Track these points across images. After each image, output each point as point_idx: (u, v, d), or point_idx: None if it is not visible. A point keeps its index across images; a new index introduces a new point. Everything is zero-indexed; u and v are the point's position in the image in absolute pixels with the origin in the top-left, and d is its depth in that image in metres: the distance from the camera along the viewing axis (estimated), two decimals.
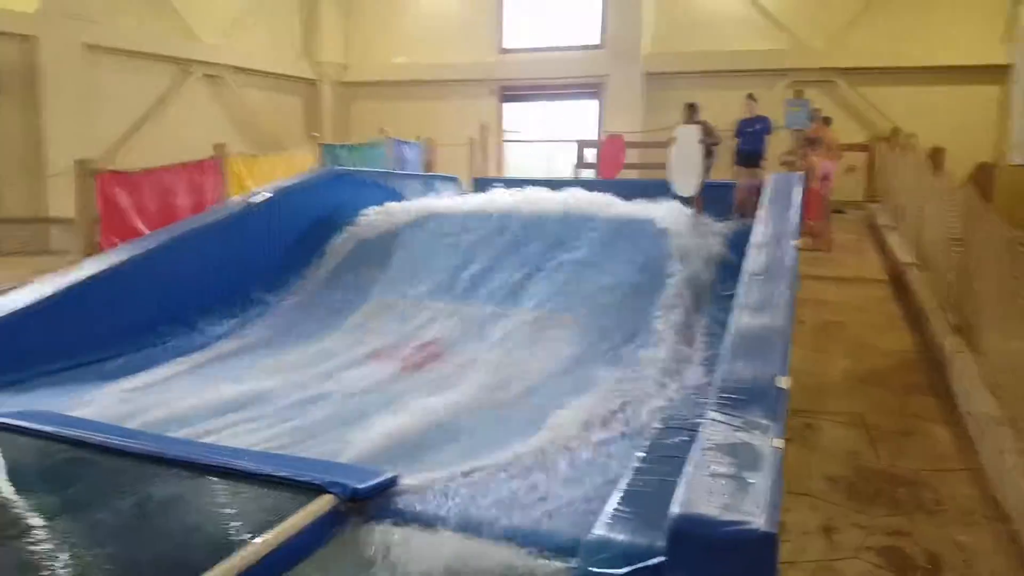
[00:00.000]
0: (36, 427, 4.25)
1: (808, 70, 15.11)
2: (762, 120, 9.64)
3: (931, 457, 4.60)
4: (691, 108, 8.63)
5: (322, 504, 3.34)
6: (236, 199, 8.93)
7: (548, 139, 17.12)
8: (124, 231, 9.40)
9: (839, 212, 12.68)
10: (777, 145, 11.10)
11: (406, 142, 14.59)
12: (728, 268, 6.56)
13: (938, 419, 5.14)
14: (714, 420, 3.24)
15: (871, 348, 6.51)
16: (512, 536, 3.22)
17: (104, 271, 6.49)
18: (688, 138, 8.30)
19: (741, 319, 4.33)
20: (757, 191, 7.72)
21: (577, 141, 15.07)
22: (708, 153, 8.00)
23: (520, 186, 9.04)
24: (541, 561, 3.08)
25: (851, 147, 13.48)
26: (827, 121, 11.61)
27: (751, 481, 2.70)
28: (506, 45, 17.42)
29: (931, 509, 4.00)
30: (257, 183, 10.55)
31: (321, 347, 6.45)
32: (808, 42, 15.23)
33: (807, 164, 9.99)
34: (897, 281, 8.40)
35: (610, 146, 14.13)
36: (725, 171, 10.37)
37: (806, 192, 8.76)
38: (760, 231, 6.03)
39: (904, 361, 6.24)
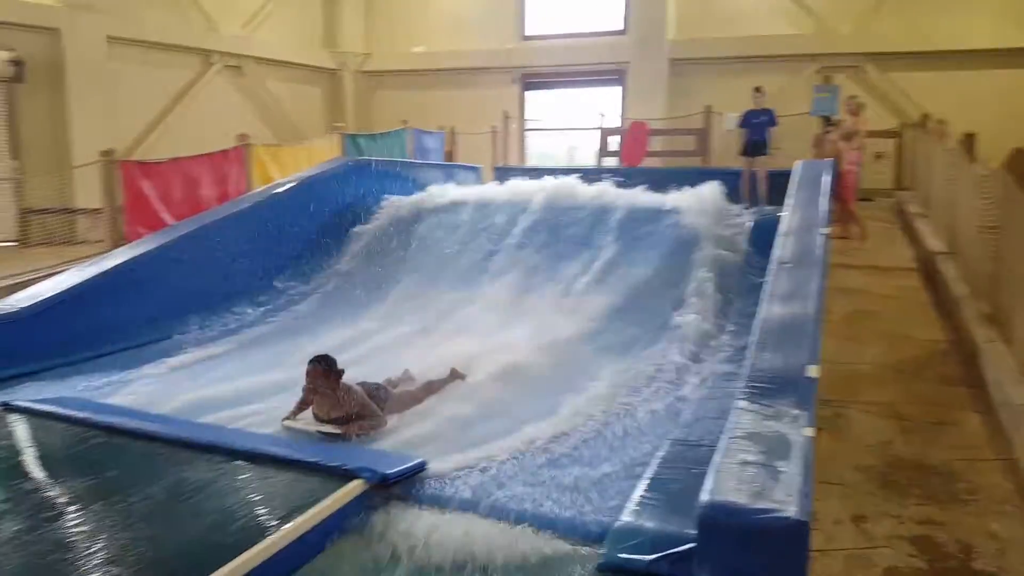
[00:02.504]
0: (71, 413, 4.36)
1: (836, 55, 14.83)
2: (767, 112, 9.93)
3: (963, 447, 4.52)
4: None
5: (352, 489, 3.40)
6: (260, 189, 9.01)
7: (571, 127, 16.97)
8: (149, 220, 9.54)
9: (867, 200, 12.51)
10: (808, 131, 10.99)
11: (428, 132, 14.60)
12: (756, 256, 6.51)
13: (970, 409, 5.04)
14: (743, 408, 3.20)
15: (902, 337, 6.40)
16: (541, 521, 3.21)
17: (134, 260, 6.61)
18: None
19: (771, 308, 4.28)
20: None
21: (600, 128, 14.89)
22: None
23: (541, 175, 9.01)
24: (570, 547, 3.07)
25: (880, 134, 13.25)
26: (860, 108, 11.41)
27: (782, 469, 2.67)
28: (528, 32, 17.27)
29: (964, 499, 3.93)
30: (281, 173, 10.63)
31: (347, 334, 6.47)
32: (835, 27, 14.95)
33: (834, 151, 9.81)
34: (928, 270, 8.26)
35: (634, 133, 13.97)
36: (733, 159, 10.38)
37: (837, 179, 8.65)
38: (789, 219, 5.94)
39: (935, 350, 6.13)
